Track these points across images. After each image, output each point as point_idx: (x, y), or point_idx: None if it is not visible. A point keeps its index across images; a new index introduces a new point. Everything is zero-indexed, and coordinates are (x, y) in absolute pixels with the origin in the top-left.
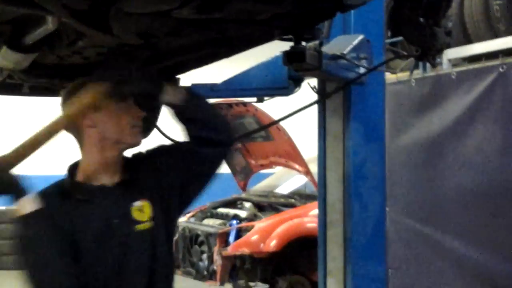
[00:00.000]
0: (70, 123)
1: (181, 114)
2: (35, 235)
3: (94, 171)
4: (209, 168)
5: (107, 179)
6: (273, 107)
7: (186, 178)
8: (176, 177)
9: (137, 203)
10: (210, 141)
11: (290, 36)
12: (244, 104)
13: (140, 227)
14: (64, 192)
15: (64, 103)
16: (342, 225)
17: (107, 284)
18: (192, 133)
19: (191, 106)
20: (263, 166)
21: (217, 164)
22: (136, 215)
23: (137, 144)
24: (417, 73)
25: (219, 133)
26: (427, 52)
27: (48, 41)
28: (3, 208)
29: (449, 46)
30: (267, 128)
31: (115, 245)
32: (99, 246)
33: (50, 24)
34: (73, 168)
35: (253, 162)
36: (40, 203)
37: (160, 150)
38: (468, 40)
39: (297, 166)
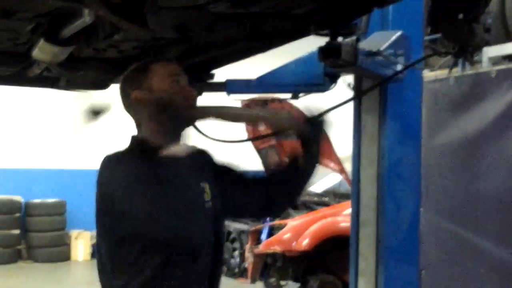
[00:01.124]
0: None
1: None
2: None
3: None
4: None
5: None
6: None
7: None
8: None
9: (203, 184)
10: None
11: (326, 32)
12: (280, 100)
13: (207, 204)
14: (146, 155)
15: (128, 86)
16: (375, 225)
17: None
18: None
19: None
20: None
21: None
22: (205, 193)
23: (194, 122)
24: (456, 71)
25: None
26: (465, 49)
27: (84, 34)
28: (38, 201)
29: (487, 43)
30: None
31: (190, 216)
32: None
33: (86, 17)
34: (141, 139)
35: (286, 159)
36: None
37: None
38: (509, 37)
39: (331, 164)
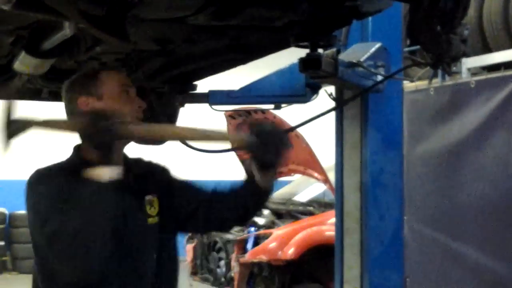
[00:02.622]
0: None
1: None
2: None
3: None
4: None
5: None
6: (291, 114)
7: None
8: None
9: (149, 197)
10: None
11: (306, 43)
12: (263, 111)
13: (150, 220)
14: (75, 172)
15: (76, 92)
16: (359, 233)
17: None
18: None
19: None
20: (282, 174)
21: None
22: (147, 208)
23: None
24: (436, 82)
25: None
26: (443, 60)
27: (66, 46)
28: (22, 212)
29: (464, 54)
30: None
31: (129, 235)
32: (115, 235)
33: (67, 30)
34: (79, 150)
35: None
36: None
37: (168, 171)
38: (487, 49)
39: (316, 174)
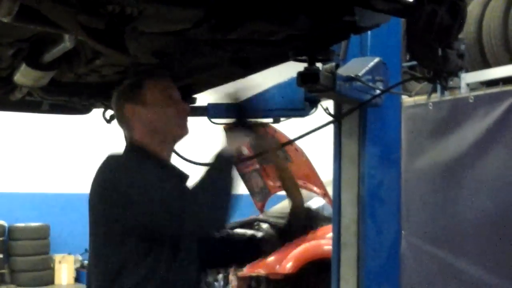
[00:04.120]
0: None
1: None
2: None
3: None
4: None
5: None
6: (291, 128)
7: None
8: None
9: None
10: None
11: (304, 58)
12: (263, 125)
13: None
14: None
15: (123, 100)
16: (356, 248)
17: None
18: None
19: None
20: (281, 188)
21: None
22: None
23: (184, 134)
24: (435, 97)
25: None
26: (440, 75)
27: (66, 59)
28: (21, 225)
29: (461, 68)
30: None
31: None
32: None
33: (67, 43)
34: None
35: (271, 183)
36: None
37: None
38: (486, 64)
39: (315, 188)
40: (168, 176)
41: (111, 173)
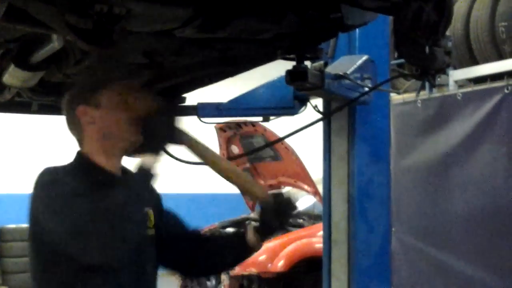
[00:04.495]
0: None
1: None
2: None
3: (103, 158)
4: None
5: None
6: (281, 127)
7: None
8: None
9: (147, 209)
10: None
11: (293, 56)
12: (253, 124)
13: (150, 231)
14: (84, 174)
15: (75, 101)
16: (347, 245)
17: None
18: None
19: None
20: (272, 186)
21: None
22: (149, 220)
23: (138, 141)
24: (423, 94)
25: None
26: (427, 72)
27: (55, 59)
28: (12, 226)
29: (449, 66)
30: (271, 146)
31: (137, 242)
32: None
33: (56, 43)
34: (82, 155)
35: (262, 182)
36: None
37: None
38: (473, 61)
39: (305, 187)
40: (101, 189)
41: (36, 191)
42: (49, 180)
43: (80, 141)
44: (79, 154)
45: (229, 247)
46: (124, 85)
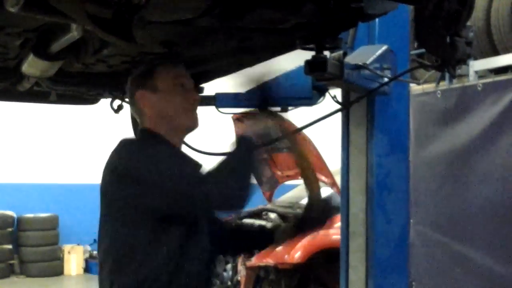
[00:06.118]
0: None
1: None
2: None
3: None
4: None
5: None
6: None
7: None
8: None
9: None
10: None
11: (312, 46)
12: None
13: None
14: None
15: (134, 86)
16: (365, 237)
17: None
18: None
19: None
20: (289, 177)
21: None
22: None
23: (194, 126)
24: (443, 85)
25: None
26: (448, 63)
27: (73, 49)
28: (30, 215)
29: (469, 56)
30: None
31: None
32: None
33: (75, 32)
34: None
35: (279, 173)
36: None
37: None
38: (494, 51)
39: (323, 178)
40: (182, 159)
41: (126, 156)
42: (136, 146)
43: (142, 122)
44: (144, 130)
45: (257, 240)
46: (181, 69)
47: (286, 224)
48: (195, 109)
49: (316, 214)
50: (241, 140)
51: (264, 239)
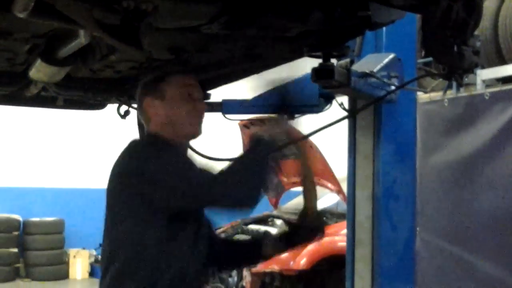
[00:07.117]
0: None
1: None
2: None
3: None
4: None
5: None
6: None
7: None
8: None
9: None
10: None
11: (319, 53)
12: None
13: None
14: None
15: (143, 93)
16: (371, 245)
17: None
18: None
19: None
20: (295, 184)
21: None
22: None
23: (197, 134)
24: (450, 93)
25: None
26: (455, 71)
27: (81, 55)
28: (36, 219)
29: (476, 65)
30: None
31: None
32: None
33: (82, 38)
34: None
35: (285, 179)
36: None
37: None
38: (502, 60)
39: (329, 185)
40: (190, 160)
41: (136, 154)
42: (146, 148)
43: (147, 127)
44: (149, 134)
45: (244, 255)
46: (189, 79)
47: (275, 237)
48: (200, 118)
49: (308, 224)
50: (257, 139)
51: (251, 255)
